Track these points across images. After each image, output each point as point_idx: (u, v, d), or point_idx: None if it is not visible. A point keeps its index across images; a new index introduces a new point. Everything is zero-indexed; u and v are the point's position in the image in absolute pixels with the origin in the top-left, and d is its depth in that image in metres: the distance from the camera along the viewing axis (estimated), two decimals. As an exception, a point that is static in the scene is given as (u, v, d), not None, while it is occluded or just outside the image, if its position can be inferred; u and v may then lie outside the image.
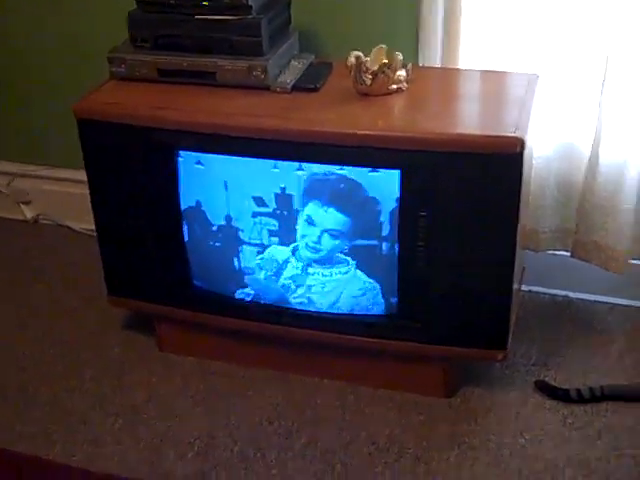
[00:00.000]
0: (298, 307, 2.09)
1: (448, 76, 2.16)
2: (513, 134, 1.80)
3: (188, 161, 2.00)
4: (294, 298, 2.08)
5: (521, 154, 1.80)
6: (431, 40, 2.17)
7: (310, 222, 1.98)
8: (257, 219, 2.01)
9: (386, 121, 1.92)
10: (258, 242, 2.04)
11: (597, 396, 2.08)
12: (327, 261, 2.01)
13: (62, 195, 2.84)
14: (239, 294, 2.12)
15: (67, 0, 2.57)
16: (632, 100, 2.07)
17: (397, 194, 1.88)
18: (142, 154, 2.02)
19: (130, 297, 2.24)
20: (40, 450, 2.03)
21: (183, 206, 2.06)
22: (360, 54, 1.96)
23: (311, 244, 2.00)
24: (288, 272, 2.05)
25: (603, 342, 2.27)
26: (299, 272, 2.04)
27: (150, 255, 2.14)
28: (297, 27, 2.22)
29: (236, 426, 2.07)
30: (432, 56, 2.19)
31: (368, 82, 1.97)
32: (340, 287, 2.03)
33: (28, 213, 2.94)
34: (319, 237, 1.99)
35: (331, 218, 1.96)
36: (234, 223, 2.03)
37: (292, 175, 1.93)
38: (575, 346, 2.26)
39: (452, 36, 2.14)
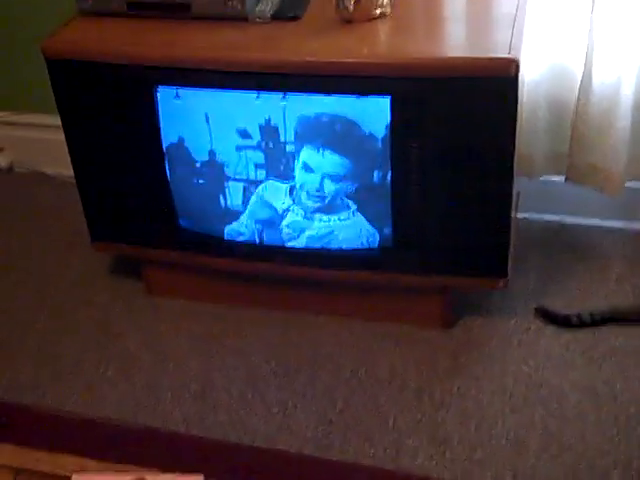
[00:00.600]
0: (290, 245, 2.03)
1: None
2: (507, 55, 1.72)
3: (167, 96, 1.91)
4: (289, 241, 2.02)
5: (516, 76, 1.72)
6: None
7: (308, 169, 1.90)
8: (242, 152, 1.93)
9: (371, 48, 1.84)
10: (244, 177, 1.96)
11: (598, 320, 2.04)
12: (331, 208, 1.94)
13: (36, 141, 2.74)
14: (227, 233, 2.06)
15: None
16: (625, 13, 1.99)
17: (388, 120, 1.80)
18: (118, 93, 1.93)
19: (114, 241, 2.17)
20: (30, 399, 1.98)
21: (165, 143, 1.97)
22: (342, -23, 1.87)
23: (314, 192, 1.93)
24: (288, 219, 1.99)
25: (601, 267, 2.23)
26: (300, 219, 1.98)
27: (133, 196, 2.06)
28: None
29: (233, 367, 2.03)
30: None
31: (350, 8, 1.88)
32: (337, 230, 1.98)
33: (2, 161, 2.84)
34: (321, 183, 1.91)
35: (329, 162, 1.89)
36: (218, 158, 1.95)
37: (276, 105, 1.85)
38: (573, 272, 2.22)
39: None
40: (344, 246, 2.00)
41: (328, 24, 1.91)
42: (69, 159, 2.08)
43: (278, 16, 1.94)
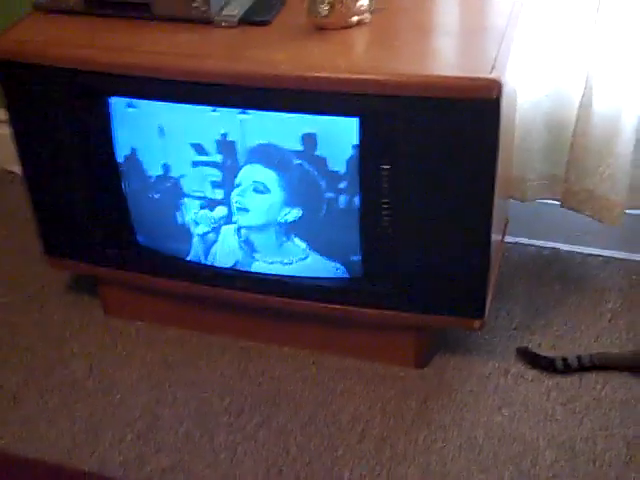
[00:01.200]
0: (253, 270, 1.86)
1: (417, 4, 1.87)
2: (489, 76, 1.55)
3: (120, 105, 1.76)
4: (248, 265, 1.86)
5: (497, 99, 1.54)
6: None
7: (254, 194, 1.77)
8: (198, 169, 1.77)
9: (341, 60, 1.66)
10: (201, 195, 1.80)
11: (586, 366, 1.86)
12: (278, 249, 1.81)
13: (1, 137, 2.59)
14: (185, 253, 1.89)
15: None
16: (626, 36, 1.83)
17: (355, 141, 1.64)
18: (69, 99, 1.77)
19: (69, 257, 2.01)
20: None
21: (118, 155, 1.82)
22: (315, -20, 1.69)
23: (257, 223, 1.80)
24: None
25: (594, 302, 2.04)
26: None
27: (88, 210, 1.90)
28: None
29: (183, 403, 1.86)
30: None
31: (324, 13, 1.71)
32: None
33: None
34: (267, 211, 1.78)
35: (278, 185, 1.75)
36: (173, 173, 1.80)
37: (234, 119, 1.69)
38: (563, 306, 2.03)
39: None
40: (311, 274, 1.83)
41: (298, 31, 1.74)
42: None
43: (246, 20, 1.78)
